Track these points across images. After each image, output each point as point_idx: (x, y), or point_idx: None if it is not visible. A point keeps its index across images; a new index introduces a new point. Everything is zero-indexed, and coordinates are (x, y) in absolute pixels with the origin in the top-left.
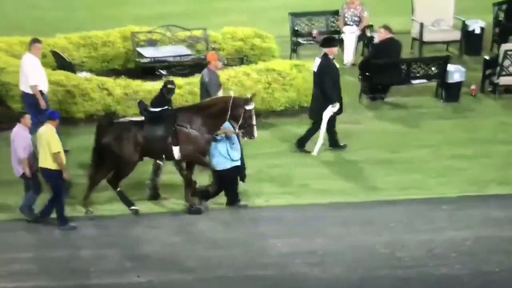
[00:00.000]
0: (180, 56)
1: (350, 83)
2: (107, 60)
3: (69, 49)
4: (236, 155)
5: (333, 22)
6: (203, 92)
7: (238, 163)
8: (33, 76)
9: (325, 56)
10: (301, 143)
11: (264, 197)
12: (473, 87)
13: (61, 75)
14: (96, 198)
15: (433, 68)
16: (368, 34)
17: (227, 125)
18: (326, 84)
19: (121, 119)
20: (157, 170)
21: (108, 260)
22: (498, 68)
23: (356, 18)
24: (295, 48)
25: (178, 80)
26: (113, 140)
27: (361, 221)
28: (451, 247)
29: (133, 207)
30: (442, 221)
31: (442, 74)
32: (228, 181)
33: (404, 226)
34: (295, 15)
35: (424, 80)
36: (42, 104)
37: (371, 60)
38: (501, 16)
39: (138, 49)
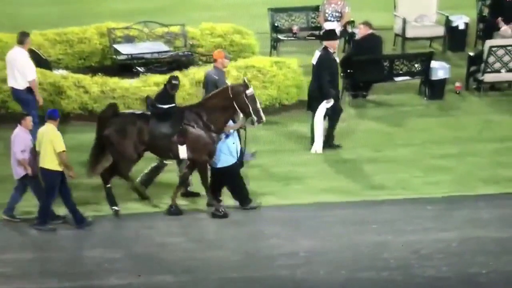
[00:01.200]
0: (158, 52)
1: None
2: (83, 57)
3: (44, 46)
4: (236, 150)
5: (314, 18)
6: (207, 89)
7: (236, 158)
8: (30, 70)
9: (325, 50)
10: (329, 142)
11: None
12: (457, 84)
13: (37, 73)
14: (87, 198)
15: (416, 65)
16: (350, 30)
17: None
18: (324, 79)
19: (126, 111)
20: (158, 168)
21: (89, 262)
22: (483, 65)
23: (337, 14)
24: (275, 44)
25: (156, 78)
26: (115, 132)
27: (345, 221)
28: (437, 248)
29: (115, 208)
30: (428, 221)
31: (426, 71)
32: (232, 179)
33: (388, 226)
34: (275, 10)
35: (407, 77)
36: (41, 100)
37: (353, 57)
38: (486, 11)
39: (115, 46)
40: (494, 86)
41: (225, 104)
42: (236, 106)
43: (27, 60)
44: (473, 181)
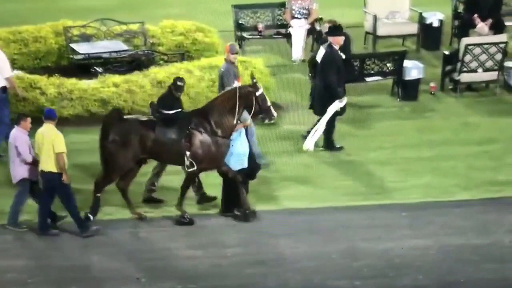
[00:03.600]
0: (116, 52)
1: (300, 81)
2: (39, 57)
3: None
4: (247, 150)
5: (280, 15)
6: (220, 86)
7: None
8: (7, 66)
9: (330, 46)
10: (329, 145)
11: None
12: (432, 84)
13: None
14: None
15: (388, 65)
16: (318, 28)
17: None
18: (332, 77)
19: (131, 117)
20: (159, 172)
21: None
22: (459, 64)
23: (304, 11)
24: (240, 43)
25: (115, 78)
26: (116, 141)
27: (315, 228)
28: (413, 257)
29: (90, 216)
30: (403, 228)
31: (398, 70)
32: (233, 185)
33: (361, 233)
34: (239, 7)
35: (379, 78)
36: (22, 94)
37: None
38: (461, 8)
39: (72, 45)
40: (470, 87)
41: (233, 106)
42: (245, 108)
43: (2, 57)
44: (449, 186)
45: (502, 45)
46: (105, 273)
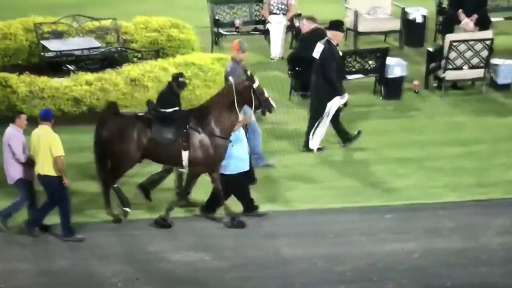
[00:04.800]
0: (88, 49)
1: (279, 78)
2: (8, 55)
3: None
4: (247, 153)
5: (258, 11)
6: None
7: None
8: None
9: (328, 42)
10: (344, 138)
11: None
12: (416, 82)
13: None
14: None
15: (370, 62)
16: (297, 24)
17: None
18: (332, 73)
19: (127, 111)
20: (180, 175)
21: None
22: (443, 61)
23: (283, 7)
24: (216, 39)
25: (88, 76)
26: (115, 134)
27: (296, 232)
28: (397, 260)
29: (126, 209)
30: (386, 232)
31: (381, 68)
32: (242, 186)
33: (344, 237)
34: (215, 2)
35: (361, 75)
36: None
37: (300, 54)
38: (445, 3)
39: (43, 42)
40: (456, 85)
41: (231, 104)
42: (243, 103)
43: None
44: (435, 187)
45: (488, 42)
46: (81, 277)
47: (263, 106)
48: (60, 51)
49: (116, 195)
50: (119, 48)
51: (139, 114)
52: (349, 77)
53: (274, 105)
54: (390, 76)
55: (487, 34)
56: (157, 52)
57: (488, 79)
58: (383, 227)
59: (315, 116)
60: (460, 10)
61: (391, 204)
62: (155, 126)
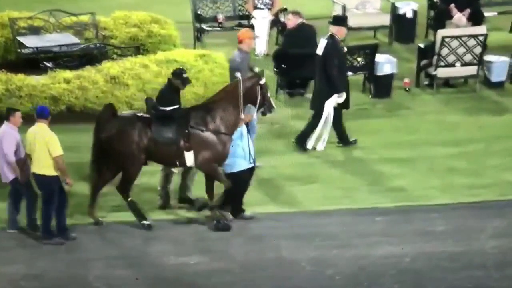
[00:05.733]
0: (67, 45)
1: (265, 76)
2: None
3: None
4: (248, 152)
5: (241, 6)
6: (232, 77)
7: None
8: None
9: (332, 38)
10: (301, 140)
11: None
12: (406, 80)
13: None
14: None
15: (359, 59)
16: (282, 19)
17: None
18: (333, 69)
19: (126, 112)
20: (167, 176)
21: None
22: (435, 58)
23: (267, 1)
24: (198, 35)
25: (66, 74)
26: (115, 134)
27: (283, 234)
28: (388, 264)
29: (145, 222)
30: (377, 235)
31: (370, 65)
32: (240, 186)
33: (333, 240)
34: None
35: (349, 73)
36: None
37: (286, 51)
38: None
39: (19, 38)
40: (448, 82)
41: (236, 101)
42: (249, 100)
43: None
44: (426, 189)
45: (481, 38)
46: (64, 281)
47: (265, 105)
48: (37, 48)
49: (130, 209)
50: (98, 45)
51: (138, 114)
52: None
53: (274, 105)
54: (379, 73)
55: (481, 29)
56: (137, 48)
57: (482, 76)
58: (374, 230)
59: (318, 115)
60: (452, 5)
61: (382, 206)
62: (155, 126)
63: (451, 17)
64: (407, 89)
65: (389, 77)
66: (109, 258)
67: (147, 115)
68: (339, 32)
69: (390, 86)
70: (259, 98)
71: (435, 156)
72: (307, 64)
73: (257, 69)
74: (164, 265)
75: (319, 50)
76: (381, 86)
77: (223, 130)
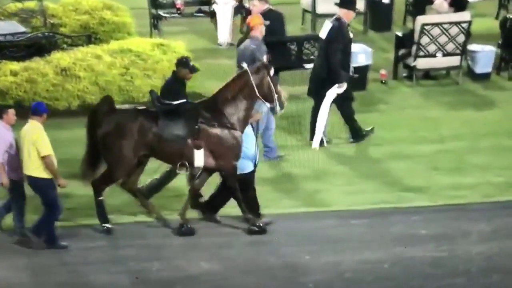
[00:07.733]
0: (12, 34)
1: (228, 67)
2: None
3: None
4: (253, 152)
5: None
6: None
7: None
8: None
9: (338, 21)
10: (360, 133)
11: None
12: (383, 72)
13: None
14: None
15: None
16: (247, 5)
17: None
18: (336, 57)
19: (125, 106)
20: (170, 173)
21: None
22: (414, 48)
23: None
24: (155, 22)
25: (13, 65)
26: (111, 131)
27: (253, 240)
28: (365, 271)
29: (106, 225)
30: (353, 239)
31: None
32: (250, 189)
33: (306, 245)
34: None
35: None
36: None
37: None
38: None
39: None
40: (428, 74)
41: (245, 92)
42: (261, 93)
43: None
44: (405, 190)
45: (464, 25)
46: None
47: (276, 100)
48: None
49: (97, 210)
50: (46, 33)
51: (140, 108)
52: (306, 65)
53: (286, 102)
54: (353, 64)
55: (464, 16)
56: (88, 37)
57: (465, 67)
58: (349, 233)
59: (317, 106)
60: None
61: (357, 208)
62: (160, 121)
63: (431, 2)
64: (383, 81)
65: (364, 69)
66: (96, 263)
67: (152, 109)
68: (346, 15)
69: (365, 78)
70: (270, 91)
71: (414, 154)
72: (273, 54)
73: (265, 57)
74: (121, 272)
75: (323, 34)
76: (356, 78)
77: (236, 126)
